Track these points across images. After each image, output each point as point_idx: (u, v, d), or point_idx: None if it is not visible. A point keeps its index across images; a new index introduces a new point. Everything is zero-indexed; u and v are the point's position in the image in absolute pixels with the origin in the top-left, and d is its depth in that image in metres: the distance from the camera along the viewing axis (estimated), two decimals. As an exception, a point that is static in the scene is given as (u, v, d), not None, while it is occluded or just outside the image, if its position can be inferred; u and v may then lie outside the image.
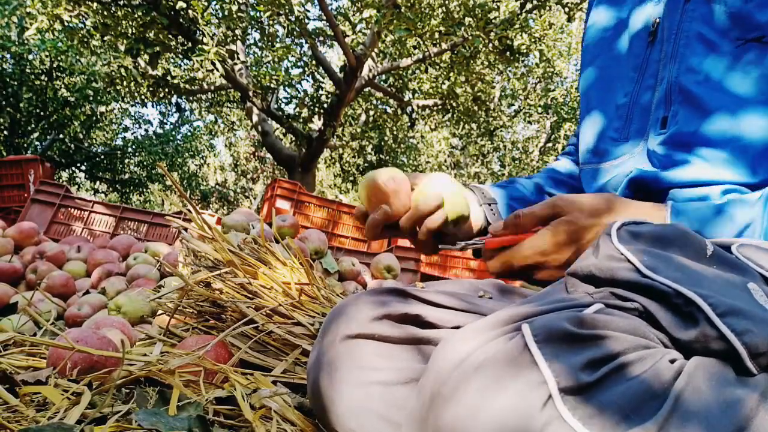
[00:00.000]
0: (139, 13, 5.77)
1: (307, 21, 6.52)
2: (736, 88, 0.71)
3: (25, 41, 8.74)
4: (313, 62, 7.52)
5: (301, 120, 7.72)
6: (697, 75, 0.73)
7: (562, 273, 0.69)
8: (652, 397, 0.40)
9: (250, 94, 7.06)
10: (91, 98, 9.69)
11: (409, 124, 8.79)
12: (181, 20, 5.87)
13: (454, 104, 7.87)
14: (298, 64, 7.92)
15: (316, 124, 7.66)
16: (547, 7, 7.49)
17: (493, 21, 6.18)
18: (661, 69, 0.78)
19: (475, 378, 0.44)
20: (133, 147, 11.74)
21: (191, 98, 10.62)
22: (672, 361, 0.44)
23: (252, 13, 6.84)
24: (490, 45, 6.32)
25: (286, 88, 7.60)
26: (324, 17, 6.44)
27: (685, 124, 0.74)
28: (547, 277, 0.72)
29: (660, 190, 0.77)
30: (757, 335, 0.43)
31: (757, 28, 0.70)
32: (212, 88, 8.36)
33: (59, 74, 9.52)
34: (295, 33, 6.43)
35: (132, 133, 13.50)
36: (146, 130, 13.34)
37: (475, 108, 8.13)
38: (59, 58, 9.08)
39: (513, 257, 0.70)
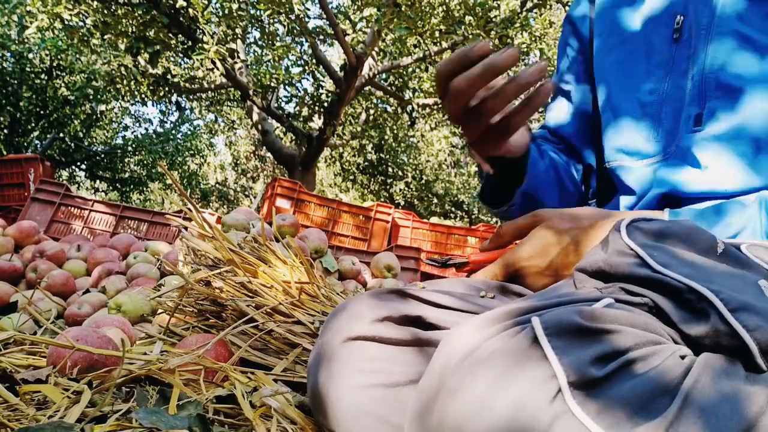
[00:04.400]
0: (139, 12, 5.76)
1: (307, 19, 6.52)
2: None
3: (25, 40, 8.74)
4: (314, 61, 7.51)
5: (301, 119, 7.72)
6: (732, 70, 0.73)
7: (548, 279, 0.72)
8: (661, 393, 0.40)
9: (251, 92, 7.06)
10: (91, 97, 9.69)
11: (409, 123, 8.78)
12: (181, 19, 5.87)
13: (455, 103, 7.85)
14: (299, 62, 7.90)
15: (317, 122, 7.66)
16: (548, 6, 7.49)
17: (494, 20, 6.17)
18: (690, 66, 0.77)
19: (482, 371, 0.43)
20: (133, 146, 11.73)
21: (191, 97, 10.61)
22: (682, 357, 0.44)
23: (252, 12, 6.84)
24: (491, 44, 6.31)
25: (287, 86, 7.59)
26: (324, 16, 6.43)
27: (723, 121, 0.72)
28: (532, 283, 0.73)
29: (693, 199, 0.75)
30: None
31: None
32: (212, 86, 8.36)
33: (59, 73, 9.51)
34: (295, 31, 6.43)
35: (132, 132, 13.51)
36: (146, 129, 13.37)
37: (476, 107, 8.11)
38: (59, 57, 9.07)
39: (497, 268, 0.73)
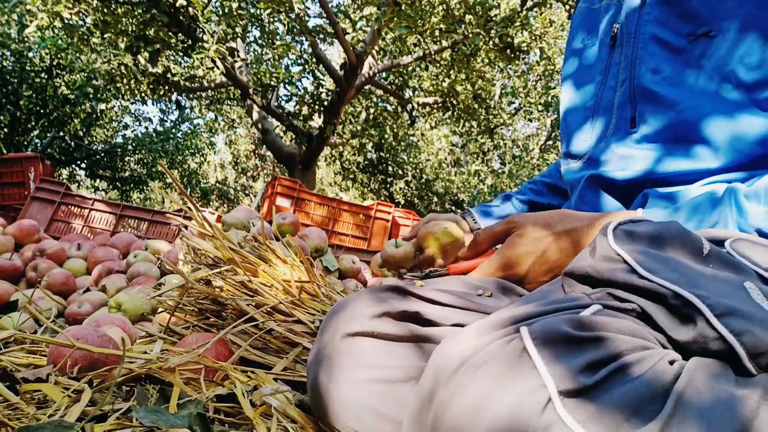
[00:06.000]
0: (139, 11, 5.76)
1: (307, 18, 6.51)
2: (694, 83, 0.75)
3: (25, 38, 8.74)
4: (314, 60, 7.50)
5: (301, 118, 7.71)
6: (656, 75, 0.77)
7: (530, 285, 0.75)
8: (652, 399, 0.40)
9: (251, 91, 7.06)
10: (91, 96, 9.67)
11: (409, 121, 8.78)
12: (181, 18, 5.86)
13: (455, 102, 7.86)
14: (299, 61, 7.90)
15: (317, 121, 7.66)
16: (548, 5, 7.48)
17: (494, 18, 6.17)
18: (621, 71, 0.83)
19: (474, 381, 0.44)
20: (134, 145, 11.72)
21: (191, 96, 10.61)
22: (671, 363, 0.43)
23: (252, 11, 6.83)
24: (491, 42, 6.31)
25: (287, 85, 7.59)
26: (324, 14, 6.42)
27: (651, 122, 0.77)
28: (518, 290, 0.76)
29: (636, 186, 0.78)
30: (756, 335, 0.43)
31: (704, 24, 0.74)
32: (212, 85, 8.35)
33: (59, 72, 9.50)
34: (295, 30, 6.41)
35: (132, 131, 13.50)
36: (146, 128, 13.34)
37: (476, 106, 8.12)
38: (59, 56, 9.06)
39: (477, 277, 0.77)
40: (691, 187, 0.74)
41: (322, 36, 6.82)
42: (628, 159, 0.79)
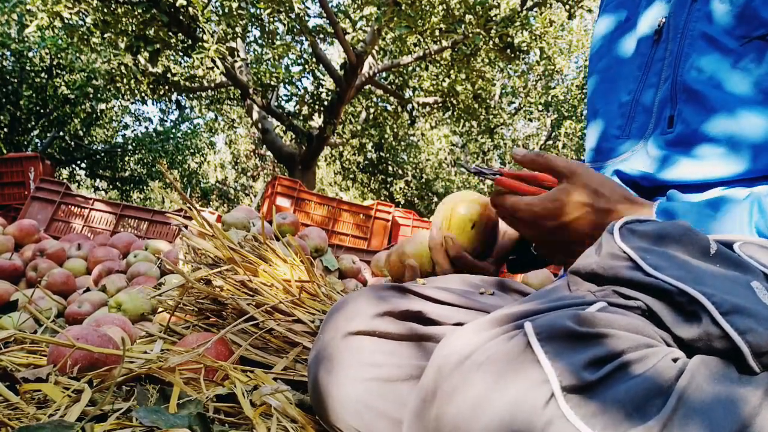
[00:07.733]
0: (139, 11, 5.75)
1: (307, 18, 6.51)
2: (739, 86, 0.72)
3: (25, 38, 8.74)
4: (314, 60, 7.50)
5: (301, 117, 7.71)
6: (701, 74, 0.74)
7: (532, 231, 0.74)
8: (654, 396, 0.40)
9: (251, 91, 7.06)
10: (91, 96, 9.67)
11: (409, 121, 8.77)
12: (181, 17, 5.86)
13: (455, 102, 7.85)
14: (299, 61, 7.90)
15: (317, 121, 7.65)
16: (548, 5, 7.48)
17: (494, 18, 6.16)
18: (665, 67, 0.79)
19: (477, 376, 0.44)
20: (134, 144, 11.73)
21: (191, 96, 10.60)
22: (674, 360, 0.44)
23: (252, 10, 6.82)
24: (491, 42, 6.31)
25: (287, 85, 7.58)
26: (324, 14, 6.42)
27: (690, 123, 0.74)
28: (530, 234, 0.76)
29: (660, 189, 0.77)
30: (761, 334, 0.43)
31: (762, 26, 0.71)
32: (212, 85, 8.35)
33: (59, 71, 9.50)
34: (295, 30, 6.41)
35: (132, 131, 13.49)
36: (146, 128, 13.33)
37: (476, 106, 8.12)
38: (59, 56, 9.06)
39: (515, 205, 0.74)
40: (719, 191, 0.73)
41: (322, 36, 6.81)
42: (660, 160, 0.76)
